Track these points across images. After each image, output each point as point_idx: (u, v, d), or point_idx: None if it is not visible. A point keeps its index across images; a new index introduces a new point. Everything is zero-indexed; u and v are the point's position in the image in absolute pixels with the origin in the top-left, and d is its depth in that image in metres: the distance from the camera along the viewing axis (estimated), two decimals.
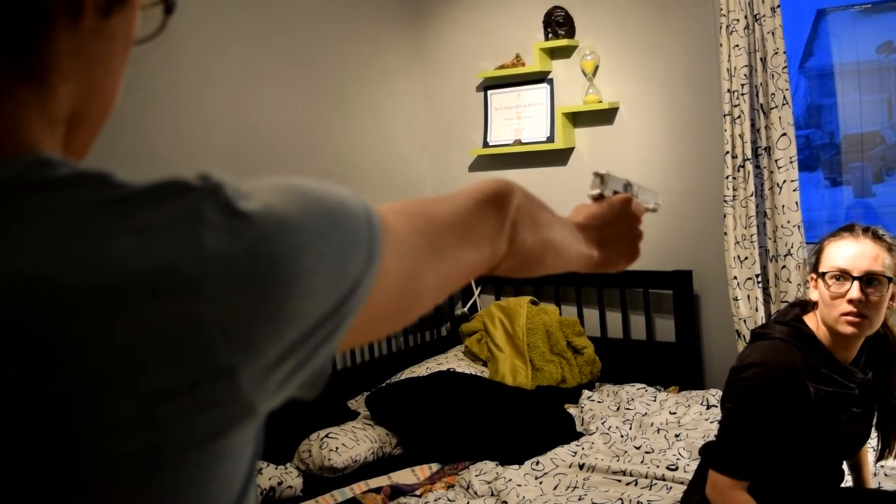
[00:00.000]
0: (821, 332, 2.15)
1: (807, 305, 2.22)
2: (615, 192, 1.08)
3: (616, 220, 1.04)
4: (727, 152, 3.81)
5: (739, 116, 3.77)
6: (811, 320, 2.18)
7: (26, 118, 0.56)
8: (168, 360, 0.50)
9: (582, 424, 3.68)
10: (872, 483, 2.63)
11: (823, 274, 2.13)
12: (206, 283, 0.50)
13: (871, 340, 2.22)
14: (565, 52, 4.40)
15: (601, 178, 1.07)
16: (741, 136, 3.78)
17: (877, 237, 2.13)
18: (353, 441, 3.41)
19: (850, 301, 2.06)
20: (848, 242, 2.13)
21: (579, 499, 2.96)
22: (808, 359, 2.12)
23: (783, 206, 3.73)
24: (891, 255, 2.11)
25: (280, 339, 0.54)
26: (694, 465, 3.09)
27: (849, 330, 2.08)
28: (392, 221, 0.66)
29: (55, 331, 0.48)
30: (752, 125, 3.79)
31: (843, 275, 2.09)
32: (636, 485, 3.05)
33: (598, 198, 1.06)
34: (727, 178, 3.82)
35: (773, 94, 3.72)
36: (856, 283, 2.07)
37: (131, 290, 0.49)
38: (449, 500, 3.05)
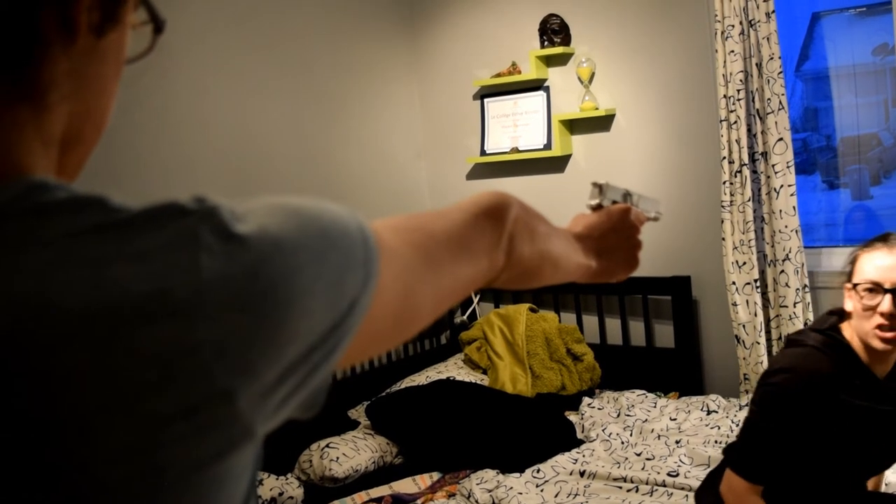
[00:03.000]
0: (855, 343, 2.09)
1: (844, 314, 2.14)
2: (614, 202, 1.07)
3: (615, 230, 1.03)
4: (724, 158, 3.82)
5: (736, 122, 3.77)
6: (847, 330, 2.12)
7: (23, 140, 0.56)
8: (166, 385, 0.50)
9: (582, 431, 3.67)
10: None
11: (856, 285, 2.06)
12: (202, 307, 0.50)
13: None
14: (561, 60, 4.41)
15: (600, 189, 1.06)
16: (738, 142, 3.78)
17: None
18: (353, 451, 3.40)
19: (882, 314, 2.00)
20: (881, 254, 2.06)
21: None
22: (840, 369, 2.06)
23: (781, 211, 3.74)
24: None
25: (278, 361, 0.54)
26: (695, 472, 3.09)
27: (881, 345, 2.03)
28: (388, 238, 0.66)
29: (52, 356, 0.48)
30: (749, 130, 3.79)
31: (875, 287, 2.02)
32: (637, 491, 3.04)
33: (597, 208, 1.06)
34: (724, 183, 3.83)
35: (769, 98, 3.72)
36: (888, 296, 2.00)
37: (128, 315, 0.49)
38: None
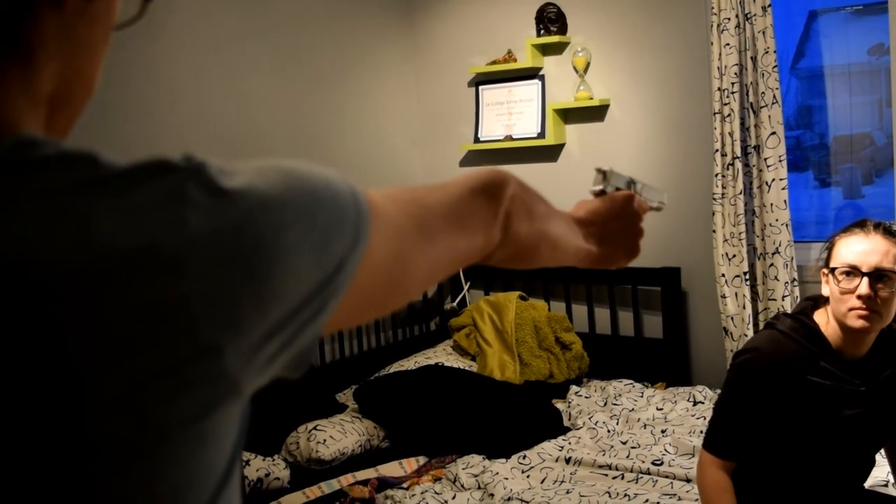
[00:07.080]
0: (830, 328, 2.15)
1: (819, 300, 2.21)
2: (618, 189, 1.07)
3: (617, 217, 1.03)
4: (717, 150, 3.83)
5: (729, 115, 3.78)
6: (821, 315, 2.18)
7: (10, 98, 0.56)
8: (152, 340, 0.50)
9: (569, 419, 3.69)
10: None
11: (834, 269, 2.12)
12: (189, 262, 0.51)
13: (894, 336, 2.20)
14: (557, 49, 4.41)
15: (604, 175, 1.06)
16: (731, 135, 3.79)
17: (888, 233, 2.11)
18: (340, 434, 3.41)
19: (860, 297, 2.05)
20: (858, 238, 2.12)
21: (567, 492, 2.97)
22: (806, 351, 2.12)
23: (771, 205, 3.75)
24: None
25: (265, 317, 0.54)
26: (679, 461, 3.11)
27: (858, 324, 2.07)
28: (382, 204, 0.66)
29: (39, 311, 0.48)
30: (742, 123, 3.80)
31: (853, 270, 2.08)
32: (622, 479, 3.06)
33: (600, 193, 1.05)
34: (716, 175, 3.84)
35: (763, 92, 3.73)
36: (865, 279, 2.06)
37: (115, 270, 0.49)
38: (436, 492, 3.06)
